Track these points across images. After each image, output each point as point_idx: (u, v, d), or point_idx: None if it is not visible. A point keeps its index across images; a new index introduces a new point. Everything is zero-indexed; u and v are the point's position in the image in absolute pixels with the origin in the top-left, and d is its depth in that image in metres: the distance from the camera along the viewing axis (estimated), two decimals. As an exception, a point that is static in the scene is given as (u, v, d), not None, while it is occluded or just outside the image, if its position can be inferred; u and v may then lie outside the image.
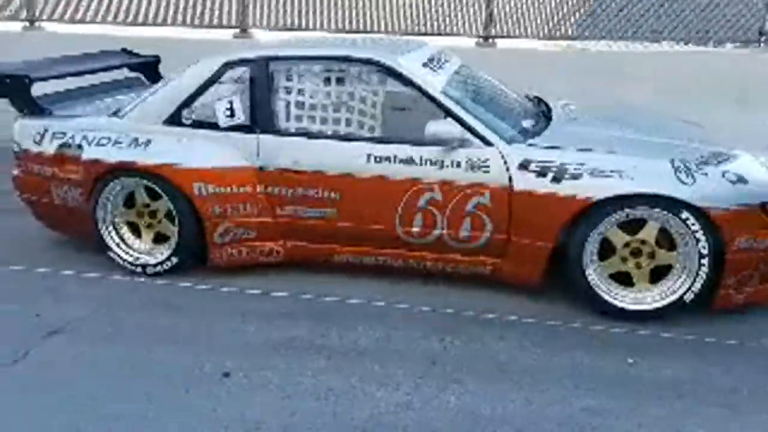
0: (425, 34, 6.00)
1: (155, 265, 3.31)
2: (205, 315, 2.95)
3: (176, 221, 3.24)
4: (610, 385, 2.45)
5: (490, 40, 5.97)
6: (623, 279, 2.90)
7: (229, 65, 3.23)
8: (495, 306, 3.01)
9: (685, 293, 2.79)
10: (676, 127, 3.49)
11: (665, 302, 2.83)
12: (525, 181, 2.86)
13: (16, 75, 3.42)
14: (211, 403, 2.33)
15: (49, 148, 3.35)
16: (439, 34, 5.98)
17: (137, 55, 4.45)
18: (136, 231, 3.39)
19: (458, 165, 2.93)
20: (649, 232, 2.81)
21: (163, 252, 3.31)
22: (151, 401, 2.35)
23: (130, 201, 3.34)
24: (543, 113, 3.45)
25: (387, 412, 2.29)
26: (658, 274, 2.87)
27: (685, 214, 2.69)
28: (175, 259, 3.29)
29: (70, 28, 6.37)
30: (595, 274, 2.88)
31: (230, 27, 6.40)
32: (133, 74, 4.34)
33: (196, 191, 3.13)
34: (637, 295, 2.87)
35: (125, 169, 3.20)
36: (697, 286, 2.76)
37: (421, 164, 2.97)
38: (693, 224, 2.68)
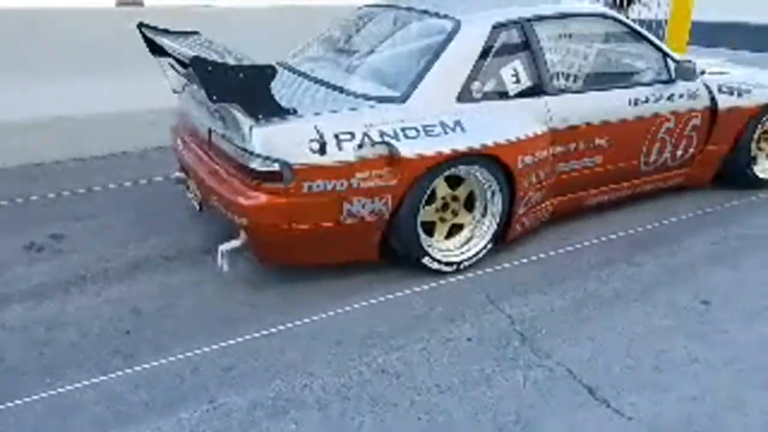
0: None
1: (470, 258, 3.01)
2: (591, 270, 3.02)
3: (489, 203, 3.01)
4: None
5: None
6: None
7: (497, 28, 3.04)
8: (700, 205, 3.83)
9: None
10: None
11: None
12: (723, 101, 3.70)
13: (256, 68, 2.46)
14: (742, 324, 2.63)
15: (343, 154, 2.58)
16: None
17: (170, 32, 3.43)
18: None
19: (682, 96, 3.57)
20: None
21: (476, 244, 3.01)
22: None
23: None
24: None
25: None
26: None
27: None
28: (490, 245, 3.05)
29: None
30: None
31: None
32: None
33: (519, 165, 2.96)
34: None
35: (456, 158, 2.77)
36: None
37: (662, 100, 3.50)
38: None
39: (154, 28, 3.33)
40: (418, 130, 2.72)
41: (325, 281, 2.89)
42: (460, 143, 2.78)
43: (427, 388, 2.20)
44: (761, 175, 4.07)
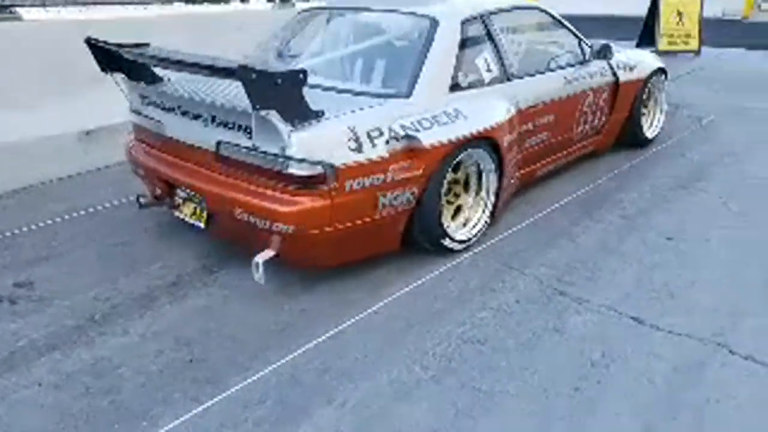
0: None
1: (476, 235, 3.29)
2: (570, 229, 3.44)
3: (483, 183, 3.30)
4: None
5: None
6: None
7: (466, 23, 3.33)
8: (613, 166, 4.51)
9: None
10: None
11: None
12: (623, 76, 4.41)
13: (291, 73, 2.47)
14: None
15: (376, 150, 2.70)
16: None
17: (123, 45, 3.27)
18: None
19: (597, 74, 4.20)
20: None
21: (478, 220, 3.30)
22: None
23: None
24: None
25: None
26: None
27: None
28: (488, 220, 3.35)
29: None
30: (642, 122, 4.80)
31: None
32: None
33: (506, 144, 3.30)
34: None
35: (467, 143, 3.02)
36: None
37: (587, 78, 4.08)
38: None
39: (105, 42, 3.09)
40: (430, 121, 2.92)
41: (351, 279, 2.95)
42: (467, 129, 3.03)
43: (515, 347, 2.44)
44: (649, 135, 4.89)
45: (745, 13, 15.64)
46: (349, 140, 2.63)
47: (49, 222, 3.67)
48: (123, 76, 3.19)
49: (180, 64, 2.67)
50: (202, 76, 2.83)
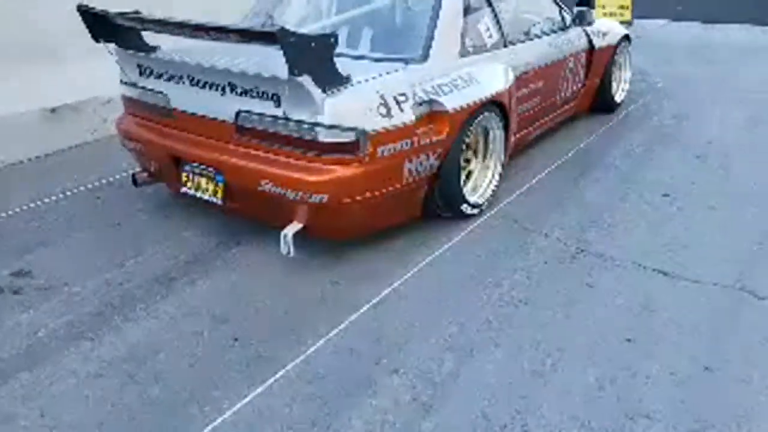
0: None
1: (488, 198, 3.31)
2: (573, 190, 3.53)
3: (490, 147, 3.32)
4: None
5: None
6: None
7: (467, -12, 3.30)
8: (590, 130, 4.67)
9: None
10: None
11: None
12: (597, 42, 4.53)
13: (322, 37, 2.37)
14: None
15: (404, 115, 2.64)
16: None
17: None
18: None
19: (575, 39, 4.30)
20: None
21: (490, 182, 3.32)
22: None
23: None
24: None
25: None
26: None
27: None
28: (498, 185, 3.37)
29: None
30: (611, 85, 4.97)
31: None
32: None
33: (512, 108, 3.32)
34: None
35: (482, 108, 3.02)
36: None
37: (568, 44, 4.16)
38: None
39: (94, 9, 2.86)
40: (448, 86, 2.90)
41: (374, 251, 2.90)
42: (481, 93, 3.03)
43: (556, 304, 2.50)
44: (617, 99, 5.08)
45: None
46: (379, 105, 2.57)
47: (31, 206, 3.39)
48: (115, 45, 2.96)
49: (204, 31, 2.50)
50: (210, 42, 2.67)
